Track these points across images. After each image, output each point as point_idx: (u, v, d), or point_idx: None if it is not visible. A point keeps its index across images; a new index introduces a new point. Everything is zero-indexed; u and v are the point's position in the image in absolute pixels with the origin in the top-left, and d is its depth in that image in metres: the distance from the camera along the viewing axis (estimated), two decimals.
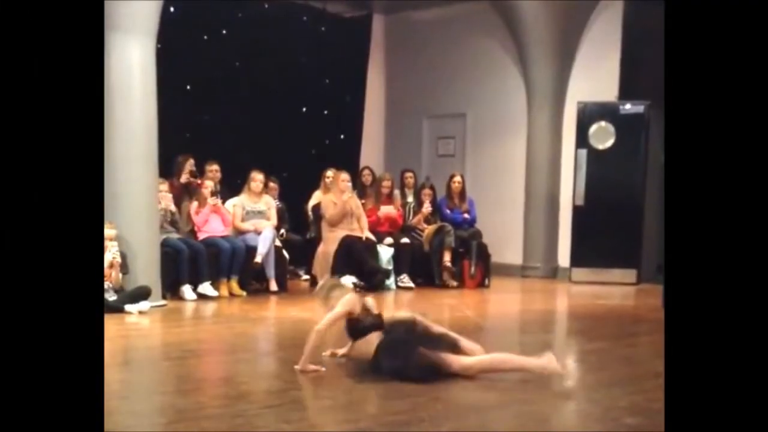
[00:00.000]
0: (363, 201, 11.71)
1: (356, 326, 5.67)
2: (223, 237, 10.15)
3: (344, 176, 11.27)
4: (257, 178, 10.82)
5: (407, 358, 5.27)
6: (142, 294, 8.51)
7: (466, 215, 12.32)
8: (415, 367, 5.23)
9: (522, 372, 5.35)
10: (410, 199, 12.44)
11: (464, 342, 5.59)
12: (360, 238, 11.01)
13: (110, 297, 8.29)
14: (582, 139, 12.47)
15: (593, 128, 12.43)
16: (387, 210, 11.87)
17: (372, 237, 11.20)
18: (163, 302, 8.96)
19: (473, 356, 5.45)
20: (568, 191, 12.74)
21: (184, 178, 10.37)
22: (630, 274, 12.16)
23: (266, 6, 13.11)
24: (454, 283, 11.60)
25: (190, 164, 10.44)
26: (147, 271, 8.86)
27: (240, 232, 10.53)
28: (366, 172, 12.57)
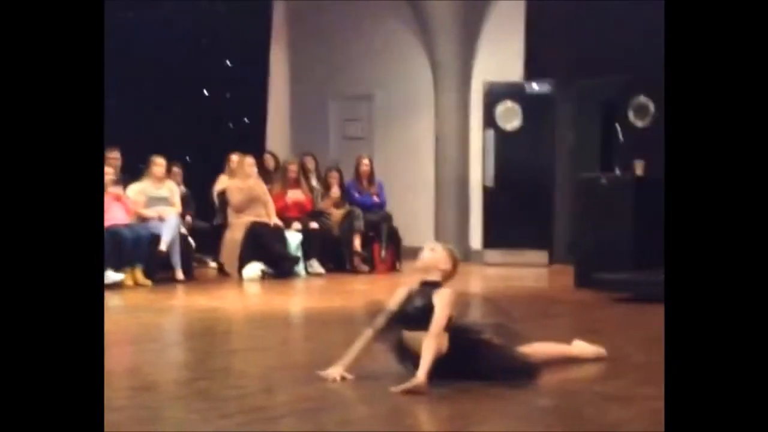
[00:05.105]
0: (269, 186, 11.43)
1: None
2: (125, 226, 9.76)
3: (249, 161, 11.03)
4: (159, 162, 10.45)
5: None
6: None
7: (375, 198, 12.15)
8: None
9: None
10: (314, 183, 12.15)
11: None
12: (267, 224, 10.77)
13: None
14: (489, 120, 12.41)
15: (500, 108, 12.41)
16: (295, 195, 11.61)
17: (280, 222, 10.96)
18: None
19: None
20: (478, 173, 12.67)
21: None
22: (542, 255, 12.18)
23: None
24: (366, 268, 11.42)
25: None
26: None
27: (143, 220, 10.17)
28: (267, 156, 12.28)
